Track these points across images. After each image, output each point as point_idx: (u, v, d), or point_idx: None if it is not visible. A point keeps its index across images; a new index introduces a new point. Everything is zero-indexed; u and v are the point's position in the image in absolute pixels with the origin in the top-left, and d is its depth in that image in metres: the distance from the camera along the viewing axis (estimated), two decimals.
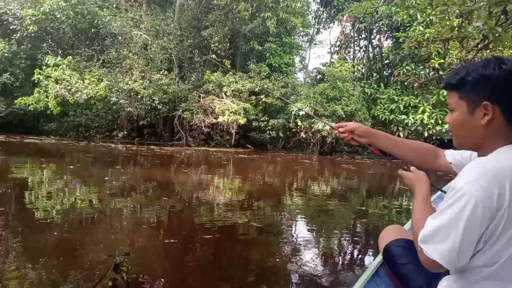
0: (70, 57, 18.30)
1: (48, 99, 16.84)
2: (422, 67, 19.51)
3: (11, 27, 18.61)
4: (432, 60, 17.21)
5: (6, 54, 18.49)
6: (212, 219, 4.33)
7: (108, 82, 17.31)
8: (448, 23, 4.35)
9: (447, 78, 1.16)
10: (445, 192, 1.19)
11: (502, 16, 3.73)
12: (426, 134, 18.58)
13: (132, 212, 4.49)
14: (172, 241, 3.43)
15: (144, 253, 3.09)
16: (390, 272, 1.69)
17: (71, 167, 8.35)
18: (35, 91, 17.24)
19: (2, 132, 18.57)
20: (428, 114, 18.25)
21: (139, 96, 17.36)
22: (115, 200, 5.10)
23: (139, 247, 3.21)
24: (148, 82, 17.86)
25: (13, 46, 18.98)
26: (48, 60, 17.64)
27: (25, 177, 6.55)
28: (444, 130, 17.93)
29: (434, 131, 18.24)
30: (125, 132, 18.83)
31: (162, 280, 2.59)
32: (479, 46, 5.02)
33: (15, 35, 18.71)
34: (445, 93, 1.37)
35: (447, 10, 4.31)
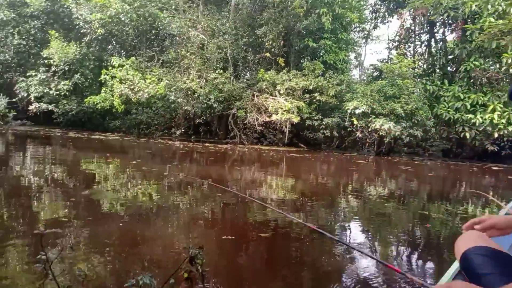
0: (133, 57, 19.39)
1: (113, 98, 17.98)
2: (492, 62, 17.98)
3: (81, 31, 20.16)
4: (505, 54, 15.80)
5: (78, 56, 20.05)
6: (265, 218, 4.32)
7: (167, 82, 18.08)
8: None
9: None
10: None
11: None
12: (496, 135, 17.11)
13: (190, 208, 4.62)
14: (229, 237, 3.46)
15: (218, 247, 3.16)
16: (468, 281, 1.54)
17: (133, 162, 8.83)
18: (102, 91, 18.51)
19: (73, 129, 20.21)
20: (499, 113, 16.76)
21: (196, 95, 17.93)
22: (173, 195, 5.30)
23: (199, 242, 3.28)
24: (204, 81, 18.38)
25: (83, 48, 20.55)
26: (113, 61, 18.84)
27: (93, 171, 7.05)
28: None
29: (506, 131, 16.72)
30: (182, 130, 19.57)
31: (236, 274, 2.62)
32: None
33: (85, 38, 20.27)
34: None
35: None
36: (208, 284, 2.34)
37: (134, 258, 2.73)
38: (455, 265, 1.66)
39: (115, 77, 18.29)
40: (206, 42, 19.39)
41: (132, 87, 17.91)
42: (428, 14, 19.63)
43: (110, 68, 18.75)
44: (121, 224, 3.58)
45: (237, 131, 18.76)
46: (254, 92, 18.92)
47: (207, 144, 16.73)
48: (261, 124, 17.93)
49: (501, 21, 15.44)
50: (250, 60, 20.73)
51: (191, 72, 18.62)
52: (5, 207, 3.90)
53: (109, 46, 24.30)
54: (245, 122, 18.25)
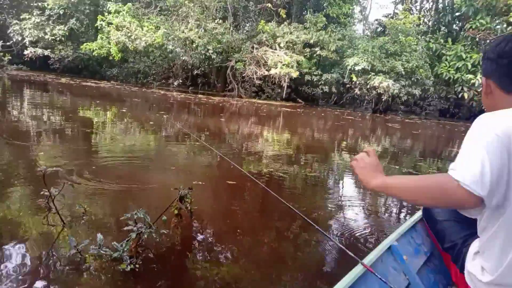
0: (130, 3, 18.71)
1: (110, 45, 17.61)
2: (499, 21, 17.54)
3: None
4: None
5: (73, 0, 19.29)
6: (259, 170, 4.51)
7: (165, 30, 17.63)
8: None
9: None
10: None
11: None
12: None
13: (187, 157, 4.83)
14: (230, 182, 3.69)
15: (209, 189, 3.40)
16: (428, 228, 1.73)
17: (132, 110, 8.92)
18: (99, 37, 18.07)
19: (69, 75, 19.97)
20: None
21: (194, 45, 17.57)
22: (171, 144, 5.49)
23: (203, 185, 3.51)
24: (203, 31, 17.92)
25: None
26: (109, 7, 18.20)
27: (91, 117, 7.18)
28: None
29: None
30: (180, 81, 19.43)
31: (222, 213, 2.86)
32: None
33: None
34: None
35: None
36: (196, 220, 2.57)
37: (133, 198, 2.94)
38: (418, 213, 1.84)
39: (112, 23, 17.79)
40: None
41: (129, 34, 17.49)
42: None
43: (106, 14, 18.15)
44: (121, 168, 3.78)
45: (235, 84, 18.64)
46: (254, 45, 18.54)
47: (205, 96, 16.72)
48: (259, 78, 17.78)
49: None
50: (250, 11, 20.08)
51: (189, 21, 18.09)
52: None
53: None
54: (243, 75, 18.07)
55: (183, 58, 18.00)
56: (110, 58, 18.39)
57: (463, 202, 1.01)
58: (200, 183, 3.48)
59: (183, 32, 17.56)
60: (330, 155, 6.26)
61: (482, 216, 1.08)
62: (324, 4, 19.30)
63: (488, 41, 17.29)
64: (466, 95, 17.76)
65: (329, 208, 3.31)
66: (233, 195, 3.46)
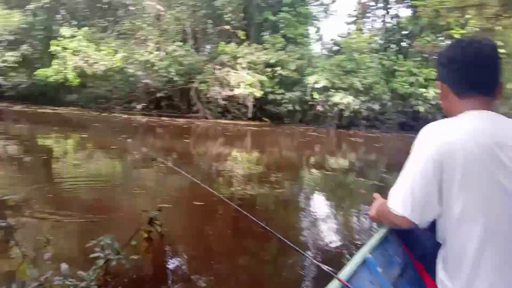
0: (86, 28, 18.31)
1: (67, 70, 17.03)
2: (442, 37, 18.88)
3: None
4: (452, 31, 16.64)
5: (23, 25, 18.57)
6: (228, 189, 4.45)
7: (124, 54, 17.35)
8: None
9: None
10: None
11: None
12: None
13: (155, 179, 4.68)
14: (203, 203, 3.58)
15: (177, 212, 3.28)
16: (400, 238, 1.74)
17: (93, 136, 8.56)
18: (54, 63, 17.42)
19: (23, 103, 18.94)
20: None
21: (156, 68, 17.39)
22: (139, 167, 5.31)
23: (171, 207, 3.38)
24: (163, 53, 17.83)
25: (29, 17, 19.04)
26: (63, 32, 17.69)
27: (56, 146, 6.82)
28: None
29: None
30: (144, 104, 19.01)
31: (192, 235, 2.76)
32: (498, 14, 4.85)
33: (29, 6, 18.76)
34: None
35: None
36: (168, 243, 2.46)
37: (101, 222, 2.77)
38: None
39: (67, 48, 17.27)
40: (163, 13, 18.66)
41: (86, 58, 17.04)
42: None
43: (60, 38, 17.61)
44: (90, 194, 3.58)
45: (200, 105, 18.54)
46: (216, 66, 18.65)
47: (169, 118, 16.42)
48: (224, 98, 17.81)
49: None
50: (210, 33, 20.28)
51: (149, 44, 17.97)
52: None
53: (58, 16, 22.64)
54: (208, 96, 18.04)
55: (145, 81, 17.74)
56: (68, 83, 17.72)
57: (399, 224, 1.16)
58: (166, 205, 3.35)
59: (142, 55, 17.38)
60: (298, 172, 6.31)
61: (437, 225, 1.15)
62: (281, 26, 19.92)
63: (435, 56, 18.50)
64: (421, 108, 18.71)
65: (302, 225, 3.30)
66: (202, 216, 3.36)
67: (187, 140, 9.29)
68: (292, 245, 1.74)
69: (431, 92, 18.15)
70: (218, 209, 3.53)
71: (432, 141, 1.06)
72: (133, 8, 19.21)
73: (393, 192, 1.14)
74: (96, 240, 1.78)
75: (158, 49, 18.04)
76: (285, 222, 3.38)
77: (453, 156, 1.01)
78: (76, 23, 21.50)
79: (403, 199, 1.09)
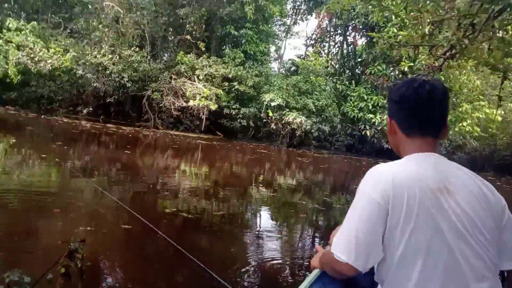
0: (35, 22, 17.19)
1: (8, 66, 15.81)
2: (392, 68, 20.03)
3: None
4: (402, 63, 17.57)
5: None
6: (175, 207, 4.26)
7: (75, 54, 16.47)
8: (419, 29, 4.47)
9: None
10: None
11: (470, 28, 3.86)
12: None
13: (93, 195, 4.34)
14: (130, 227, 3.34)
15: (101, 239, 3.00)
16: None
17: (23, 141, 7.91)
18: None
19: None
20: None
21: (108, 72, 16.69)
22: (74, 182, 4.90)
23: (95, 232, 3.10)
24: (118, 57, 17.17)
25: None
26: (9, 23, 16.47)
27: None
28: None
29: None
30: (91, 109, 18.07)
31: (118, 268, 2.52)
32: (447, 55, 5.18)
33: None
34: None
35: (420, 16, 4.41)
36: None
37: (13, 253, 2.44)
38: None
39: (11, 42, 16.08)
40: (122, 15, 18.07)
41: (32, 55, 15.94)
42: (338, 17, 21.03)
43: (5, 31, 16.38)
44: (4, 214, 3.19)
45: (152, 114, 17.99)
46: (172, 75, 18.28)
47: (118, 126, 15.74)
48: (177, 109, 17.43)
49: (401, 32, 17.24)
50: (169, 41, 19.95)
51: (103, 46, 17.23)
52: None
53: (5, 5, 21.10)
54: (160, 105, 17.57)
55: (95, 84, 16.90)
56: (8, 80, 16.42)
57: (343, 271, 1.09)
58: (88, 228, 3.08)
59: (95, 57, 16.60)
60: (242, 189, 6.20)
61: (376, 267, 1.12)
62: (242, 41, 20.09)
63: (384, 85, 19.56)
64: (368, 133, 19.60)
65: (242, 255, 3.16)
66: (130, 242, 3.11)
67: (128, 152, 8.82)
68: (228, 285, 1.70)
69: (378, 118, 19.06)
70: (147, 234, 3.27)
71: (377, 185, 1.04)
72: (90, 7, 18.39)
73: (338, 238, 1.10)
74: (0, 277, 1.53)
75: (113, 52, 17.35)
76: (223, 249, 3.22)
77: (397, 201, 1.00)
78: (25, 15, 20.19)
79: (348, 245, 1.05)
